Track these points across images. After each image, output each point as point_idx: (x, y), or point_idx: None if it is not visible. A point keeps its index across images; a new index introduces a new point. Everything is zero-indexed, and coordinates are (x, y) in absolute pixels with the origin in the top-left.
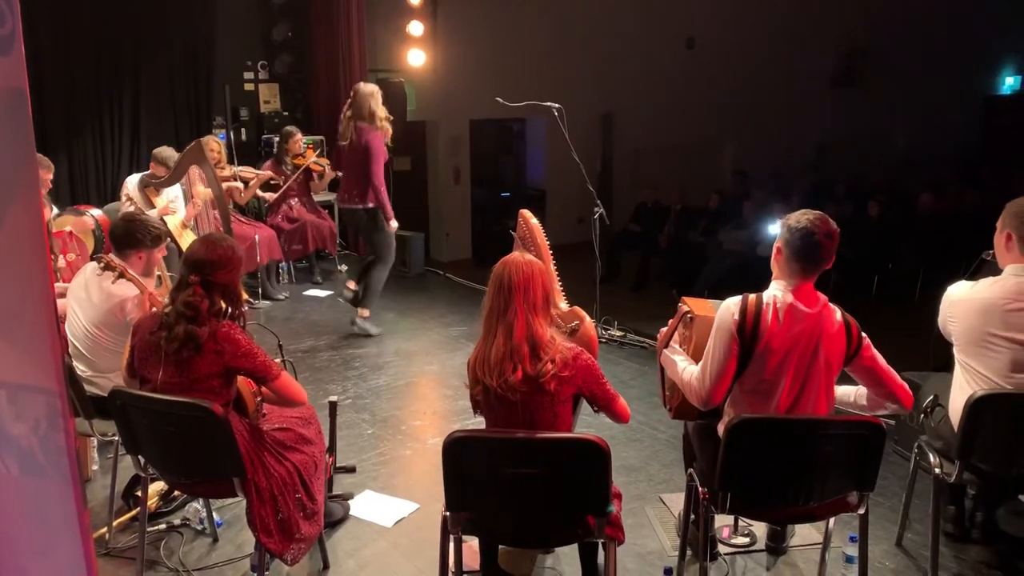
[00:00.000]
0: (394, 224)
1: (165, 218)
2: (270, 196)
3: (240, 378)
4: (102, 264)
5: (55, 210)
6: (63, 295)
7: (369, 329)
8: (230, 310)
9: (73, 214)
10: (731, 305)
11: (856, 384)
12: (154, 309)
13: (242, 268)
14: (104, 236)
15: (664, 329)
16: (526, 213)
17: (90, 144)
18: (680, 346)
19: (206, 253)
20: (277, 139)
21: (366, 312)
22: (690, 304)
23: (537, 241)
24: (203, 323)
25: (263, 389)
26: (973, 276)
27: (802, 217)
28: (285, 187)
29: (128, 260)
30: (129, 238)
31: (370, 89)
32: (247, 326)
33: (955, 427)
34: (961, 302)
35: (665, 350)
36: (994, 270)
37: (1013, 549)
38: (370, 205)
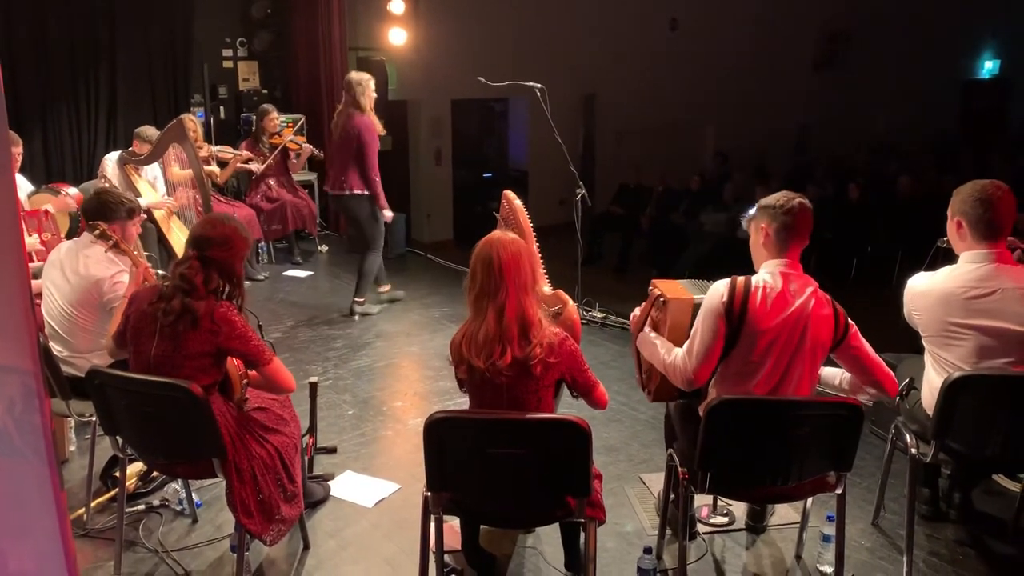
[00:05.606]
0: (388, 214)
1: (154, 213)
2: (256, 168)
3: (228, 360)
4: (97, 232)
5: (30, 187)
6: (37, 275)
7: (370, 310)
8: (228, 289)
9: (51, 193)
10: (720, 287)
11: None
12: (147, 283)
13: (245, 251)
14: (80, 216)
15: (637, 312)
16: (509, 194)
17: (65, 121)
18: (654, 330)
19: (206, 230)
20: (254, 117)
21: (361, 299)
22: (661, 287)
23: (520, 222)
24: (199, 297)
25: (251, 373)
26: (931, 265)
27: (779, 196)
28: (263, 167)
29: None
30: (103, 208)
31: (360, 77)
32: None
33: (928, 413)
34: (922, 294)
35: (641, 333)
36: (950, 257)
37: (986, 528)
38: (364, 192)
